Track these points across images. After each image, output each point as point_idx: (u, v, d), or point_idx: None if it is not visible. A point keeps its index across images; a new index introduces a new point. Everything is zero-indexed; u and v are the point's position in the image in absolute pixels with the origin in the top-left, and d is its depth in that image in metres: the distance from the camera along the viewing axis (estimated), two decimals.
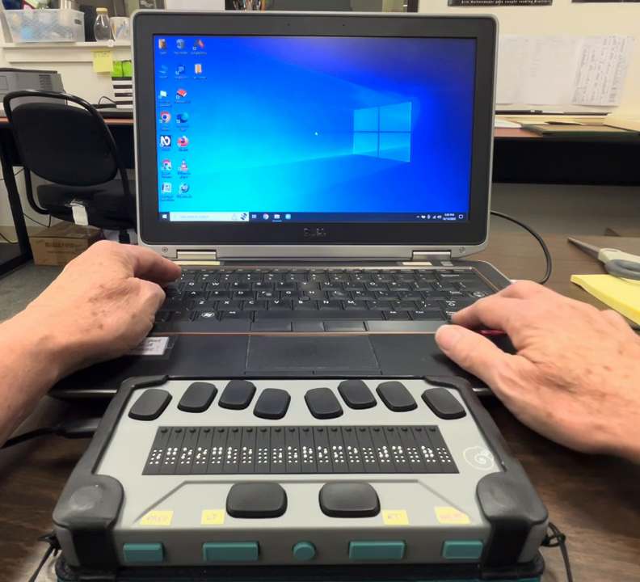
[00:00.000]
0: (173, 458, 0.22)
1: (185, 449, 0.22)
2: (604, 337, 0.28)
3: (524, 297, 0.33)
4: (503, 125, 1.86)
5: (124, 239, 1.98)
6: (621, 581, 0.22)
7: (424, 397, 0.26)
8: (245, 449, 0.22)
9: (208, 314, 0.41)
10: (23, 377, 0.25)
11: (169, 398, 0.26)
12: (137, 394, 0.26)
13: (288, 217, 0.54)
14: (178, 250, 0.54)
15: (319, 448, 0.23)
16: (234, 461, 0.22)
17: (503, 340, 0.32)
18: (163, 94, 0.52)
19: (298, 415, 0.25)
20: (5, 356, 0.25)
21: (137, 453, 0.22)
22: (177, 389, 0.27)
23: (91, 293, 0.31)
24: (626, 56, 2.25)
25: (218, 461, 0.22)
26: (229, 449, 0.22)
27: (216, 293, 0.45)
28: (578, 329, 0.28)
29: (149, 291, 0.35)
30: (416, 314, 0.41)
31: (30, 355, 0.26)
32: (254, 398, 0.26)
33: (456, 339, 0.33)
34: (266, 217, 0.54)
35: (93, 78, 2.54)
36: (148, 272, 0.40)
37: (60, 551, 0.19)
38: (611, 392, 0.25)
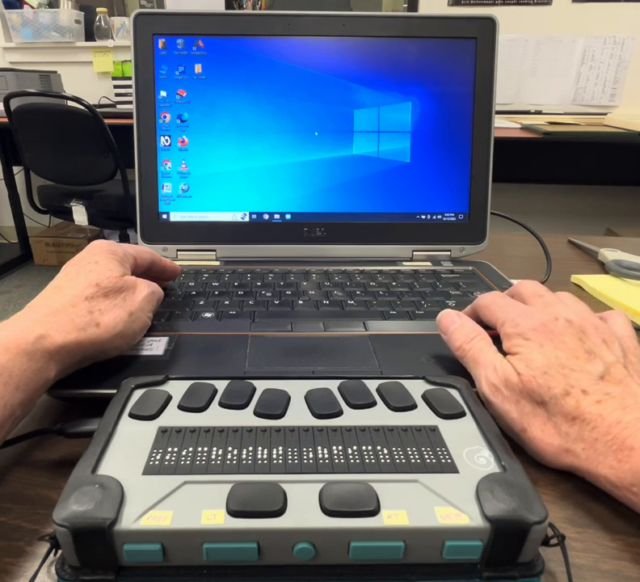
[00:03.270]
0: (173, 458, 0.22)
1: (185, 449, 0.22)
2: (591, 359, 0.27)
3: (525, 299, 0.32)
4: (503, 125, 1.86)
5: (124, 239, 1.98)
6: (620, 581, 0.22)
7: (424, 397, 0.26)
8: (245, 449, 0.22)
9: (208, 314, 0.41)
10: (19, 375, 0.25)
11: (169, 398, 0.26)
12: (137, 394, 0.26)
13: (288, 217, 0.54)
14: (178, 250, 0.54)
15: (319, 448, 0.23)
16: (234, 461, 0.22)
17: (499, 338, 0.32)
18: (163, 94, 0.52)
19: (298, 415, 0.25)
20: (0, 355, 0.25)
21: (137, 453, 0.22)
22: (177, 389, 0.27)
23: (88, 292, 0.31)
24: (626, 56, 2.25)
25: (218, 462, 0.22)
26: (229, 449, 0.22)
27: (216, 293, 0.45)
28: (568, 347, 0.28)
29: (145, 289, 0.35)
30: (416, 314, 0.41)
31: (26, 354, 0.26)
32: (254, 398, 0.26)
33: (455, 327, 0.33)
34: (266, 217, 0.54)
35: (93, 78, 2.54)
36: (146, 270, 0.40)
37: (60, 551, 0.19)
38: (580, 416, 0.25)
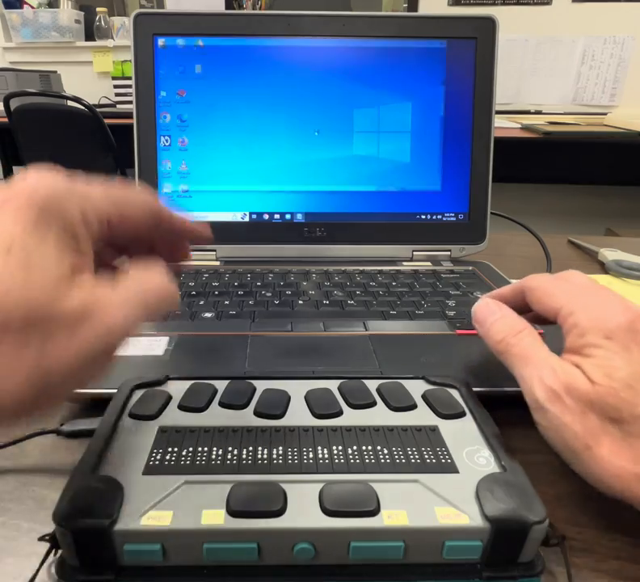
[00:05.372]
0: (173, 458, 0.22)
1: (185, 449, 0.22)
2: None
3: (582, 292, 0.26)
4: (503, 125, 1.86)
5: None
6: (620, 581, 0.22)
7: (424, 397, 0.26)
8: (245, 448, 0.22)
9: (208, 314, 0.41)
10: None
11: (169, 398, 0.26)
12: (137, 394, 0.26)
13: (287, 216, 0.54)
14: None
15: (319, 448, 0.23)
16: (234, 461, 0.22)
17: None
18: (163, 94, 0.52)
19: (298, 415, 0.25)
20: None
21: (137, 453, 0.22)
22: (177, 389, 0.27)
23: None
24: (626, 56, 2.25)
25: (218, 461, 0.22)
26: (229, 449, 0.22)
27: (216, 293, 0.45)
28: None
29: (114, 317, 0.17)
30: (416, 314, 0.41)
31: None
32: (254, 398, 0.26)
33: (496, 318, 0.27)
34: (266, 217, 0.54)
35: (93, 77, 2.54)
36: (138, 236, 0.22)
37: (60, 551, 0.19)
38: None
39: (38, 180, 0.18)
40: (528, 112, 2.28)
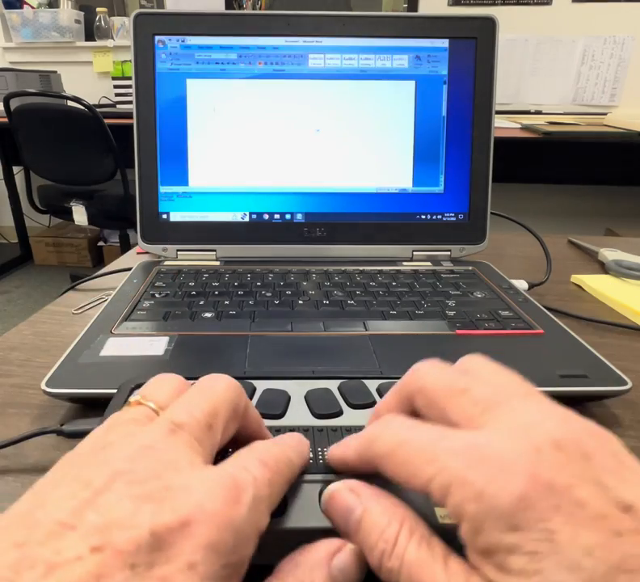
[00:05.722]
0: None
1: None
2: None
3: (476, 405, 0.17)
4: (503, 125, 1.86)
5: (124, 239, 1.98)
6: None
7: None
8: None
9: (208, 314, 0.41)
10: None
11: None
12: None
13: (287, 217, 0.54)
14: (178, 250, 0.54)
15: (319, 448, 0.23)
16: None
17: None
18: (163, 94, 0.52)
19: (298, 415, 0.25)
20: None
21: None
22: None
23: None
24: (626, 56, 2.25)
25: (218, 461, 0.22)
26: (230, 449, 0.22)
27: (216, 293, 0.45)
28: (598, 525, 0.13)
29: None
30: (416, 314, 0.41)
31: None
32: (254, 398, 0.26)
33: (358, 514, 0.17)
34: (266, 217, 0.54)
35: (93, 77, 2.54)
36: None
37: None
38: None
39: (164, 380, 0.21)
40: (527, 112, 2.28)
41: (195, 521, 0.14)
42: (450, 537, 0.16)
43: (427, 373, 0.19)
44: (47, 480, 0.16)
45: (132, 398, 0.19)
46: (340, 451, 0.20)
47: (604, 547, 0.13)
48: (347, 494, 0.18)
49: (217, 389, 0.19)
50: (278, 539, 0.19)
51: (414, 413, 0.19)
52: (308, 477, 0.21)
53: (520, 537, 0.13)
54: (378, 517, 0.16)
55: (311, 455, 0.22)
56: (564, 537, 0.13)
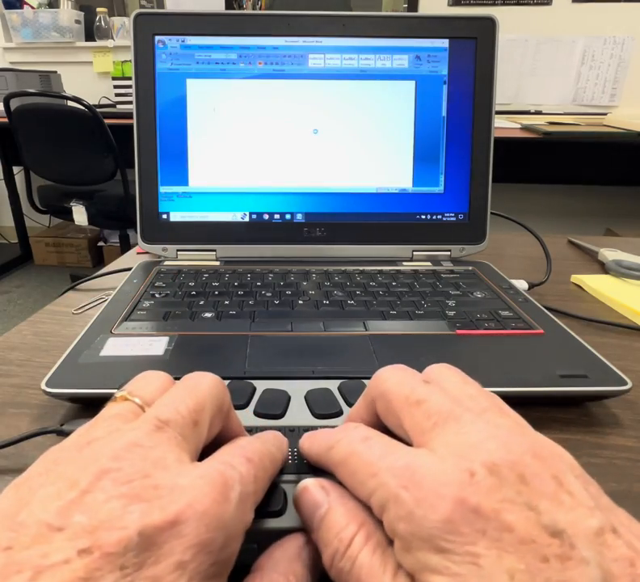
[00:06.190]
0: None
1: None
2: (567, 559, 0.13)
3: (428, 417, 0.17)
4: (503, 125, 1.86)
5: (124, 240, 1.98)
6: None
7: None
8: None
9: (208, 314, 0.41)
10: None
11: None
12: None
13: (287, 217, 0.54)
14: (178, 251, 0.54)
15: None
16: None
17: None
18: (163, 94, 0.52)
19: (298, 415, 0.25)
20: None
21: None
22: None
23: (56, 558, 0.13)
24: (626, 56, 2.25)
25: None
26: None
27: (216, 293, 0.45)
28: (527, 548, 0.13)
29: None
30: (416, 314, 0.41)
31: None
32: (254, 398, 0.26)
33: (323, 511, 0.17)
34: (266, 217, 0.54)
35: (93, 78, 2.55)
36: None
37: None
38: None
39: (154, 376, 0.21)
40: (527, 112, 2.28)
41: (185, 520, 0.14)
42: None
43: (388, 379, 0.19)
44: (30, 475, 0.15)
45: (118, 394, 0.19)
46: (307, 446, 0.20)
47: (527, 572, 0.13)
48: (317, 490, 0.18)
49: (203, 386, 0.19)
50: (277, 539, 0.19)
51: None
52: (308, 477, 0.21)
53: (444, 559, 0.14)
54: (340, 517, 0.17)
55: None
56: (488, 561, 0.13)
